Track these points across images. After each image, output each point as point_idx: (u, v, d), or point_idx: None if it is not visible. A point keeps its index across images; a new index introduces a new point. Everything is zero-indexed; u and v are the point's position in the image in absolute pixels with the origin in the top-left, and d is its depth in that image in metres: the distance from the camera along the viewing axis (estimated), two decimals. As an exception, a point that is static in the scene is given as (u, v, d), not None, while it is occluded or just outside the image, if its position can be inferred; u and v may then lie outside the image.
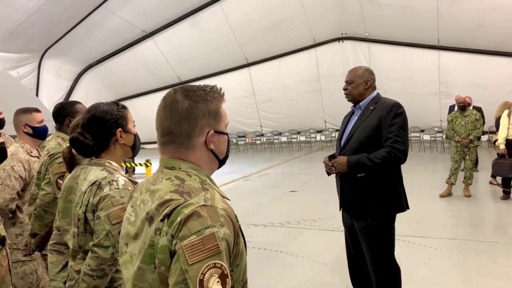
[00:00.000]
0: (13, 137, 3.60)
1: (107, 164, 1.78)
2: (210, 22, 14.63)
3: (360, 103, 2.94)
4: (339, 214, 3.16)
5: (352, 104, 3.02)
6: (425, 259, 4.38)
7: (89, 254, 1.65)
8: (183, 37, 15.08)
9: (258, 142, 16.48)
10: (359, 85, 2.91)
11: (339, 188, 2.99)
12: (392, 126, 2.75)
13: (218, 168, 1.29)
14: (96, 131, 1.77)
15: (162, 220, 1.07)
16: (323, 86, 15.47)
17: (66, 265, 1.89)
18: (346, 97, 2.99)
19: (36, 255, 2.92)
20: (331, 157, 2.95)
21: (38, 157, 3.13)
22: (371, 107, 2.87)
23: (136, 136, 1.87)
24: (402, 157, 2.74)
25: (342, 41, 15.11)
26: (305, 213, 6.41)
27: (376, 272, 2.87)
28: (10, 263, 2.31)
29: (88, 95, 15.45)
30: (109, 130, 1.77)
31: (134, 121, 1.86)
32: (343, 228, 3.16)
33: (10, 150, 3.09)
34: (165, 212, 1.07)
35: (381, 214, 2.81)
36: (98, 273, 1.62)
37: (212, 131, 1.19)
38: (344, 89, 2.96)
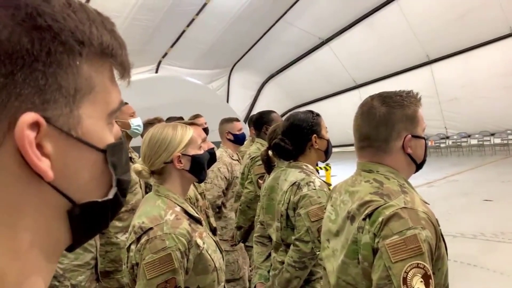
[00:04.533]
0: (215, 143, 4.19)
1: (304, 166, 1.97)
2: (386, 22, 14.21)
3: None
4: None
5: None
6: None
7: (291, 247, 1.85)
8: (359, 40, 15.00)
9: (442, 145, 15.20)
10: None
11: None
12: None
13: (415, 172, 1.31)
14: (295, 137, 1.97)
15: (364, 219, 1.15)
16: (524, 80, 13.36)
17: (269, 255, 2.14)
18: None
19: (239, 246, 3.34)
20: None
21: (237, 161, 3.58)
22: None
23: (328, 142, 2.02)
24: None
25: (551, 26, 12.83)
26: (504, 225, 5.66)
27: None
28: None
29: (270, 103, 16.64)
30: (305, 136, 1.96)
31: (326, 127, 2.01)
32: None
33: (217, 154, 3.62)
34: (366, 212, 1.15)
35: None
36: (300, 265, 1.80)
37: (410, 135, 1.22)
38: None
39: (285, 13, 14.44)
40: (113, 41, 0.45)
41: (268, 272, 2.07)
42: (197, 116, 4.61)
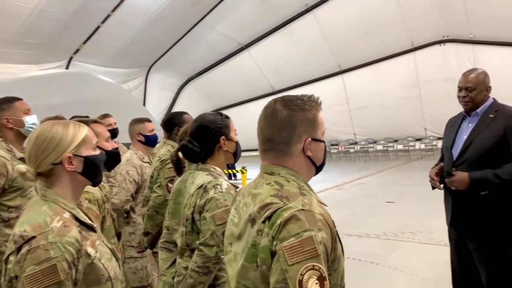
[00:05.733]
0: (126, 145, 4.01)
1: (212, 169, 1.93)
2: (303, 31, 14.81)
3: (477, 110, 2.70)
4: (441, 227, 2.98)
5: (463, 110, 2.80)
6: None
7: (196, 252, 1.80)
8: (277, 47, 15.44)
9: (351, 150, 16.14)
10: (481, 92, 2.67)
11: (450, 203, 2.77)
12: None
13: (315, 175, 1.33)
14: (203, 139, 1.93)
15: (264, 222, 1.14)
16: (423, 92, 14.69)
17: (174, 261, 2.07)
18: (464, 105, 2.75)
19: (147, 252, 3.20)
20: (447, 174, 2.69)
21: (149, 163, 3.44)
22: (491, 115, 2.64)
23: (237, 144, 2.01)
24: None
25: (444, 44, 14.24)
26: (403, 225, 6.12)
27: None
28: (124, 258, 2.56)
29: (189, 106, 16.47)
30: (214, 138, 1.93)
31: (235, 130, 1.99)
32: (445, 242, 2.97)
33: (125, 156, 3.45)
34: (266, 214, 1.14)
35: (502, 233, 2.59)
36: (204, 270, 1.75)
37: (310, 138, 1.24)
38: (463, 96, 2.71)
39: (205, 16, 14.40)
40: None
41: (173, 278, 1.99)
42: (106, 115, 4.38)
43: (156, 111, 15.63)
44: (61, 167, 1.35)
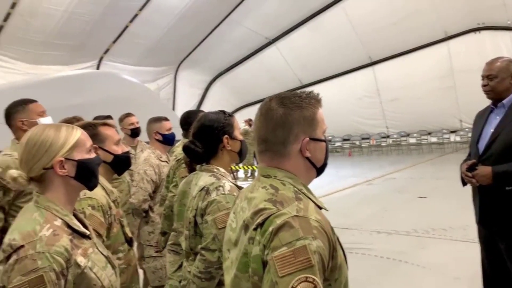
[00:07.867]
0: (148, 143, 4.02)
1: (215, 170, 1.86)
2: (331, 23, 14.52)
3: (504, 101, 2.55)
4: (474, 224, 2.82)
5: (491, 102, 2.64)
6: None
7: (198, 256, 1.74)
8: (304, 41, 15.21)
9: (383, 144, 15.75)
10: (504, 80, 2.52)
11: (477, 200, 2.63)
12: None
13: (316, 177, 1.24)
14: (206, 139, 1.86)
15: (255, 229, 1.06)
16: (458, 82, 14.10)
17: (181, 265, 2.02)
18: (486, 94, 2.60)
19: (165, 252, 3.19)
20: (471, 168, 2.55)
21: (167, 162, 3.43)
22: None
23: (242, 142, 1.93)
24: None
25: (479, 32, 13.62)
26: (435, 221, 5.89)
27: None
28: (137, 262, 2.50)
29: (217, 102, 16.50)
30: (217, 137, 1.86)
31: (240, 128, 1.92)
32: (478, 240, 2.82)
33: (143, 156, 3.45)
34: (258, 221, 1.07)
35: None
36: (206, 276, 1.69)
37: (308, 138, 1.15)
38: (484, 85, 2.58)
39: (232, 11, 14.35)
40: None
41: (180, 282, 1.94)
42: (128, 114, 4.41)
43: (186, 109, 15.69)
44: (53, 171, 1.31)
